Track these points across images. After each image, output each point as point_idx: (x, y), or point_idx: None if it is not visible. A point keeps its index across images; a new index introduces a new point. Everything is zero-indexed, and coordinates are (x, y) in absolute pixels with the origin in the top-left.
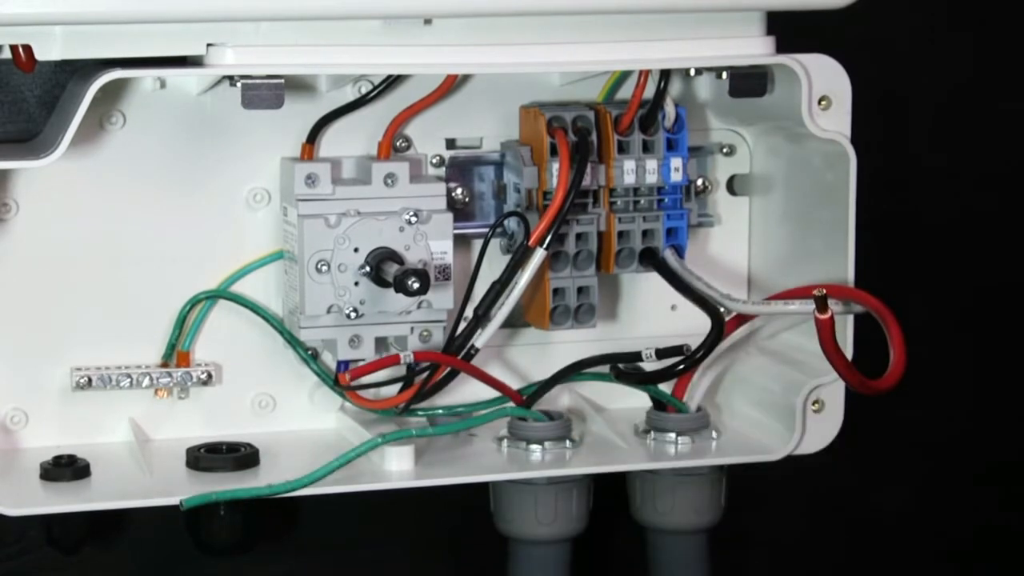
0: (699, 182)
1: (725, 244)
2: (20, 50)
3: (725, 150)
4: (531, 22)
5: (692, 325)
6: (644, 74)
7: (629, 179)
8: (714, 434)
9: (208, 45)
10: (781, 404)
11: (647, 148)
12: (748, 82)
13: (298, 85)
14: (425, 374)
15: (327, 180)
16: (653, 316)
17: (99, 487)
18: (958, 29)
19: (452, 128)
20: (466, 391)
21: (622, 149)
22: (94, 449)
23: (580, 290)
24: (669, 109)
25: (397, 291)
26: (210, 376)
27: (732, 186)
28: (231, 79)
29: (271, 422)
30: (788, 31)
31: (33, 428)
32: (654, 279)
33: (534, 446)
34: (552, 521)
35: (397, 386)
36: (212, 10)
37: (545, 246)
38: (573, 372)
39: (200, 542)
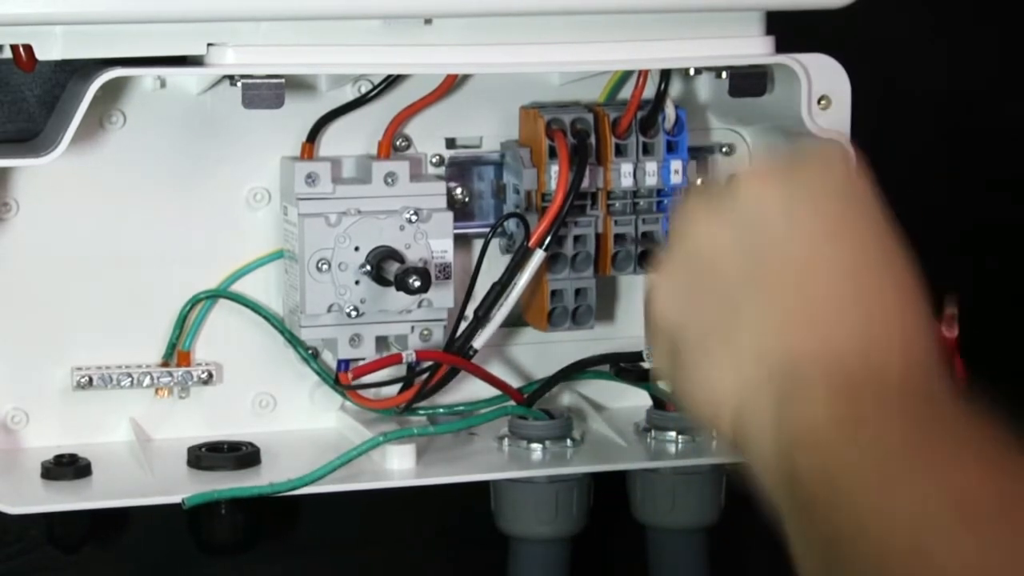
0: (699, 183)
1: None
2: (20, 50)
3: (725, 150)
4: (531, 22)
5: None
6: (643, 75)
7: (627, 182)
8: (714, 433)
9: (208, 45)
10: None
11: (647, 150)
12: (748, 82)
13: (298, 85)
14: (426, 374)
15: (327, 179)
16: None
17: (100, 486)
18: (958, 29)
19: (452, 128)
20: (467, 390)
21: (620, 152)
22: (95, 448)
23: (578, 292)
24: (669, 111)
25: (398, 289)
26: (210, 375)
27: None
28: (231, 79)
29: (272, 421)
30: (788, 31)
31: (34, 428)
32: None
33: (535, 445)
34: (552, 520)
35: (398, 385)
36: (212, 10)
37: (545, 248)
38: (574, 371)
39: (201, 541)
